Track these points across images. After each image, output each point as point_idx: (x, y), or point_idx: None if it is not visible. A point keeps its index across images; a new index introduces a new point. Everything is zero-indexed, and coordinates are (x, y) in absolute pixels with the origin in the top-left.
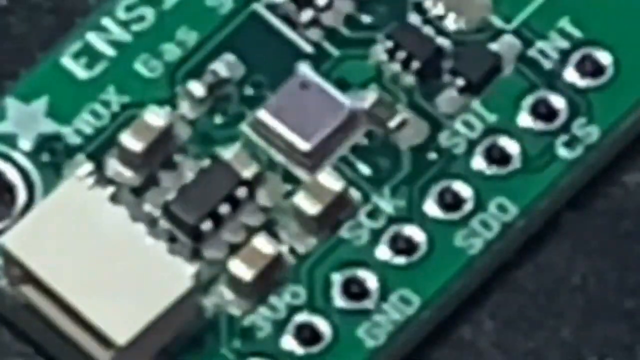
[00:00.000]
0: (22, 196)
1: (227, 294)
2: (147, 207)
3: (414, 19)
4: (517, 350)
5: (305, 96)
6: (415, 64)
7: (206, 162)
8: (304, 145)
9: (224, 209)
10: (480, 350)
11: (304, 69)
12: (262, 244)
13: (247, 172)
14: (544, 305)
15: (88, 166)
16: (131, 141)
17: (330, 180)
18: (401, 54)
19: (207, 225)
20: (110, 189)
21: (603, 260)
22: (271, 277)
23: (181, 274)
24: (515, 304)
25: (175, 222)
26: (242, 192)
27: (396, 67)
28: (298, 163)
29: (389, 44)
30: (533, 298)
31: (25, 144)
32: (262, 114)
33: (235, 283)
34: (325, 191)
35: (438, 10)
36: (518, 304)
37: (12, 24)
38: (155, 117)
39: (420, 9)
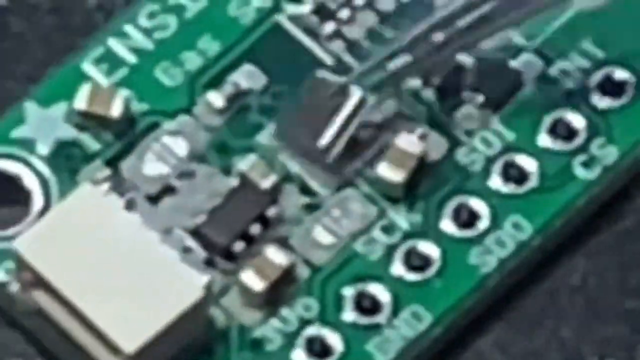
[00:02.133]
0: (38, 201)
1: (238, 304)
2: (162, 216)
3: (436, 34)
4: (517, 350)
5: (313, 97)
6: (435, 80)
7: (230, 179)
8: (320, 142)
9: (255, 228)
10: (481, 350)
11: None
12: (275, 254)
13: (266, 183)
14: (544, 305)
15: (105, 172)
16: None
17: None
18: (420, 70)
19: (239, 246)
20: (126, 196)
21: (603, 260)
22: (283, 288)
23: (193, 283)
24: (516, 304)
25: (206, 243)
26: (272, 211)
27: (416, 82)
28: (316, 177)
29: (408, 58)
30: (533, 298)
31: (43, 148)
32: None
33: (246, 293)
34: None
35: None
36: (518, 304)
37: (12, 24)
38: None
39: (443, 25)
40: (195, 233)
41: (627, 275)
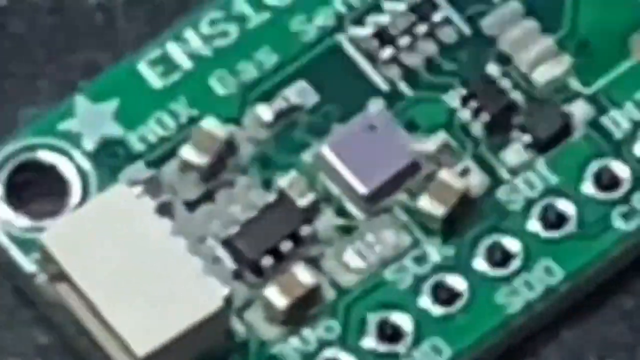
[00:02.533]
0: (76, 195)
1: (260, 319)
2: (197, 222)
3: (492, 69)
4: (517, 349)
5: (371, 137)
6: (485, 116)
7: (268, 193)
8: (361, 189)
9: (286, 245)
10: None
11: (375, 109)
12: (302, 273)
13: (303, 201)
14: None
15: (145, 173)
16: (192, 153)
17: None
18: (473, 104)
19: (268, 261)
20: (160, 200)
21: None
22: (306, 308)
23: (214, 294)
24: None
25: (235, 255)
26: (305, 230)
27: (466, 115)
28: (353, 201)
29: (463, 91)
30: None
31: (89, 143)
32: (325, 150)
33: (269, 309)
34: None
35: (522, 65)
36: None
37: (12, 24)
38: (219, 131)
39: (502, 60)
40: (227, 243)
41: (627, 276)
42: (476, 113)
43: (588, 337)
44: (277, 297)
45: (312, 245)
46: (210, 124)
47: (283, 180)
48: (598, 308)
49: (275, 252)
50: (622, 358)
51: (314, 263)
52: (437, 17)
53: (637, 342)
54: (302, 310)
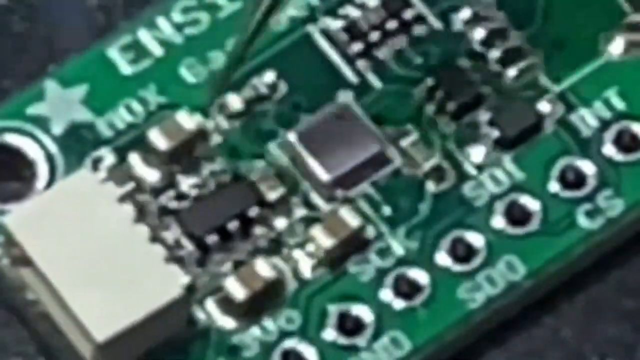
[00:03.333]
0: (42, 179)
1: (220, 309)
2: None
3: (462, 62)
4: (519, 350)
5: (339, 127)
6: (451, 106)
7: (228, 176)
8: (324, 176)
9: (233, 225)
10: (482, 349)
11: (344, 99)
12: (262, 267)
13: (273, 195)
14: (544, 305)
15: (110, 159)
16: (159, 139)
17: (348, 216)
18: (440, 94)
19: (212, 239)
20: (128, 187)
21: (603, 260)
22: (267, 299)
23: (174, 281)
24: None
25: (185, 231)
26: (254, 211)
27: (432, 107)
28: (318, 191)
29: (430, 81)
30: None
31: (57, 128)
32: (292, 136)
33: (227, 300)
34: (342, 225)
35: (493, 60)
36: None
37: (13, 23)
38: (188, 120)
39: (472, 56)
40: (177, 218)
41: (628, 275)
42: (443, 102)
43: (589, 336)
44: (236, 289)
45: (275, 235)
46: (183, 115)
47: (253, 174)
48: (599, 307)
49: (222, 231)
50: (623, 358)
51: (277, 253)
52: (408, 13)
53: (638, 342)
54: (263, 301)
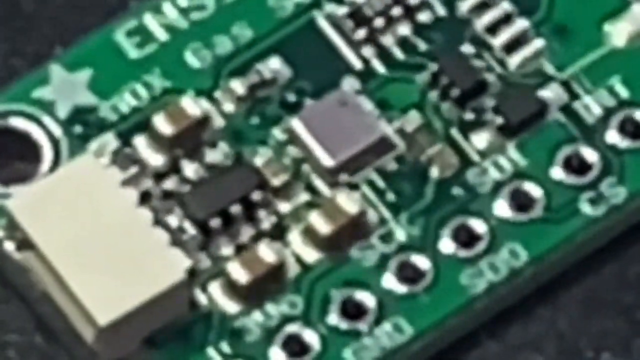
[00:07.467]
0: (47, 163)
1: (223, 293)
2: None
3: (466, 49)
4: (515, 341)
5: (343, 113)
6: (455, 92)
7: (231, 161)
8: (328, 161)
9: (236, 209)
10: (479, 340)
11: (348, 86)
12: (265, 251)
13: (276, 180)
14: (541, 297)
15: (114, 144)
16: (163, 124)
17: (347, 202)
18: (444, 80)
19: (216, 223)
20: (131, 171)
21: (601, 254)
22: (270, 284)
23: (176, 265)
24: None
25: (187, 214)
26: (257, 195)
27: (436, 93)
28: (322, 176)
29: (434, 67)
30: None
31: (61, 111)
32: (295, 122)
33: (230, 284)
34: (341, 212)
35: (498, 47)
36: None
37: (23, 3)
38: (192, 105)
39: (477, 43)
40: (180, 202)
41: (626, 269)
42: (447, 89)
43: (585, 329)
44: (239, 273)
45: (279, 220)
46: (188, 100)
47: (257, 159)
48: (597, 300)
49: (225, 215)
50: (619, 351)
51: (280, 238)
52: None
53: (634, 336)
54: (266, 286)
